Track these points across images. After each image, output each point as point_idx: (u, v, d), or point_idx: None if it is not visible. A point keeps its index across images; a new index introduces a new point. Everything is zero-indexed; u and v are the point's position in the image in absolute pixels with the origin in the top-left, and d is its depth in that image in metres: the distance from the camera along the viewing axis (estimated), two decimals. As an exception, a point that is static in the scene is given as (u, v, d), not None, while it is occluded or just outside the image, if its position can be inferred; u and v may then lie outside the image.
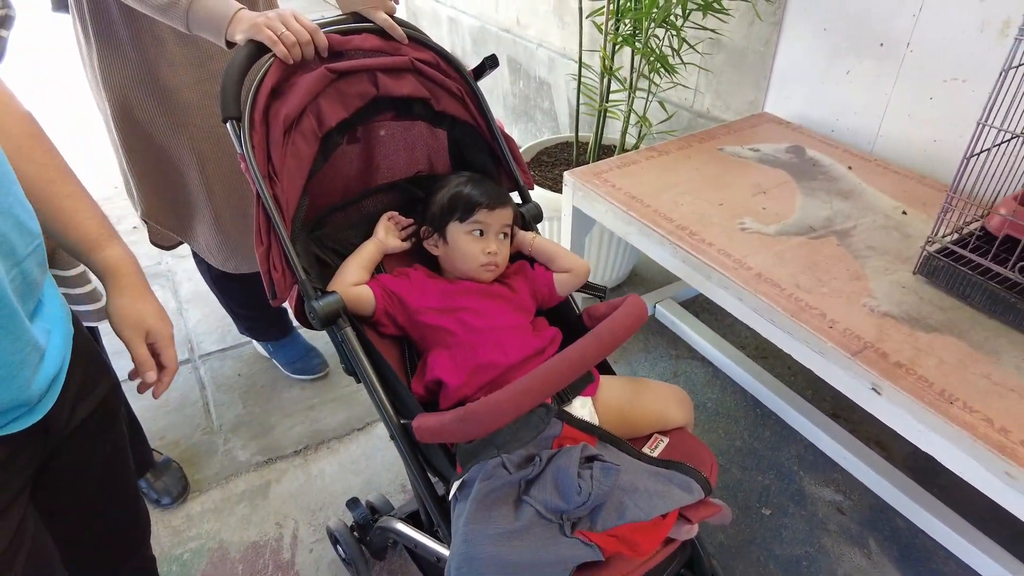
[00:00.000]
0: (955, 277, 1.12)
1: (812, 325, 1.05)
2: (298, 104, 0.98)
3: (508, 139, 1.22)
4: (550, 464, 0.87)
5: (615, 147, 2.06)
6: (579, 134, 2.15)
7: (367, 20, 1.10)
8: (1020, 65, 0.96)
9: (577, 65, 2.03)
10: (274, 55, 0.98)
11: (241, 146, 0.93)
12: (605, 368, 1.14)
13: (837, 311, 1.08)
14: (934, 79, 1.49)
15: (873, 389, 0.98)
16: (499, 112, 3.37)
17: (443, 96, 1.14)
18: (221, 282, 1.72)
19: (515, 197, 1.24)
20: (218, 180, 1.44)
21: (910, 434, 0.96)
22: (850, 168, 1.53)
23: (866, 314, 1.08)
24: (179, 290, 2.27)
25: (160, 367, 0.82)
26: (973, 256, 1.11)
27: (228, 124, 0.94)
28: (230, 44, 1.05)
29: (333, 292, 0.97)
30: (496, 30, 3.11)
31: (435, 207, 1.11)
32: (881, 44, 1.56)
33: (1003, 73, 0.97)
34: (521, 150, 2.23)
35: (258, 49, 0.99)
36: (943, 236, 1.16)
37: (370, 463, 1.66)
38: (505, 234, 1.11)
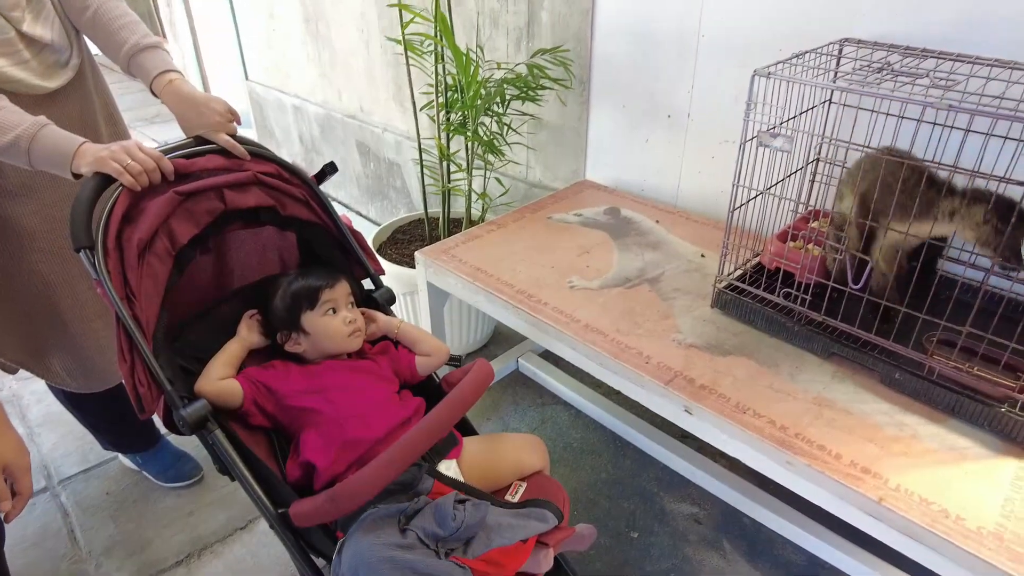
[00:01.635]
0: (741, 307, 1.36)
1: (631, 362, 1.24)
2: (149, 228, 1.05)
3: (355, 233, 1.34)
4: (428, 505, 0.98)
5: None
6: (429, 211, 2.32)
7: (210, 142, 1.19)
8: (753, 138, 1.23)
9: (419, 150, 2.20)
10: (122, 184, 1.05)
11: (96, 272, 0.99)
12: (469, 430, 1.27)
13: (651, 348, 1.28)
14: (712, 142, 1.80)
15: (685, 411, 1.17)
16: (354, 192, 3.49)
17: (288, 202, 1.25)
18: (77, 400, 1.67)
19: (368, 284, 1.37)
20: (71, 302, 1.43)
21: (718, 443, 1.15)
22: (658, 222, 1.80)
23: (675, 347, 1.29)
24: (28, 414, 2.15)
25: (15, 494, 0.91)
26: (751, 288, 1.36)
27: (81, 253, 0.99)
28: (77, 176, 1.09)
29: (199, 399, 1.03)
30: (342, 116, 3.25)
31: (279, 311, 1.19)
32: (668, 116, 1.86)
33: (741, 147, 1.23)
34: (378, 229, 2.36)
35: (105, 180, 1.05)
36: (729, 274, 1.41)
37: (256, 560, 1.66)
38: (351, 302, 1.23)
